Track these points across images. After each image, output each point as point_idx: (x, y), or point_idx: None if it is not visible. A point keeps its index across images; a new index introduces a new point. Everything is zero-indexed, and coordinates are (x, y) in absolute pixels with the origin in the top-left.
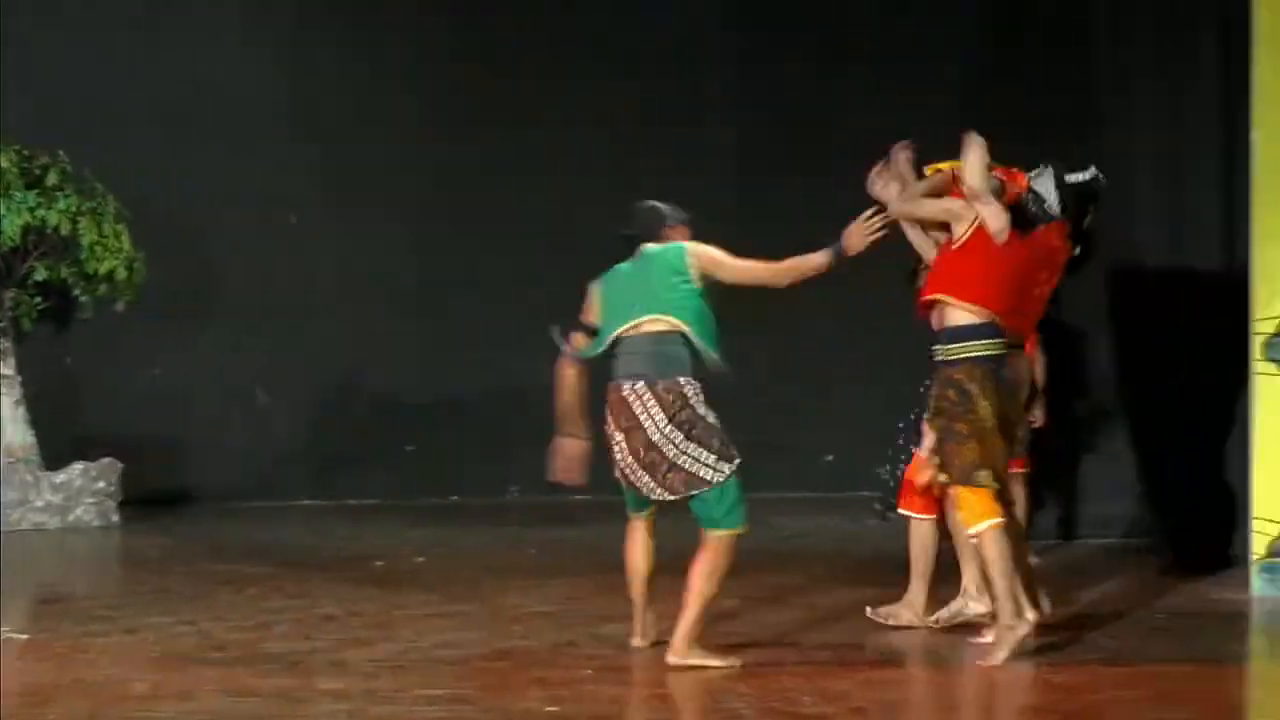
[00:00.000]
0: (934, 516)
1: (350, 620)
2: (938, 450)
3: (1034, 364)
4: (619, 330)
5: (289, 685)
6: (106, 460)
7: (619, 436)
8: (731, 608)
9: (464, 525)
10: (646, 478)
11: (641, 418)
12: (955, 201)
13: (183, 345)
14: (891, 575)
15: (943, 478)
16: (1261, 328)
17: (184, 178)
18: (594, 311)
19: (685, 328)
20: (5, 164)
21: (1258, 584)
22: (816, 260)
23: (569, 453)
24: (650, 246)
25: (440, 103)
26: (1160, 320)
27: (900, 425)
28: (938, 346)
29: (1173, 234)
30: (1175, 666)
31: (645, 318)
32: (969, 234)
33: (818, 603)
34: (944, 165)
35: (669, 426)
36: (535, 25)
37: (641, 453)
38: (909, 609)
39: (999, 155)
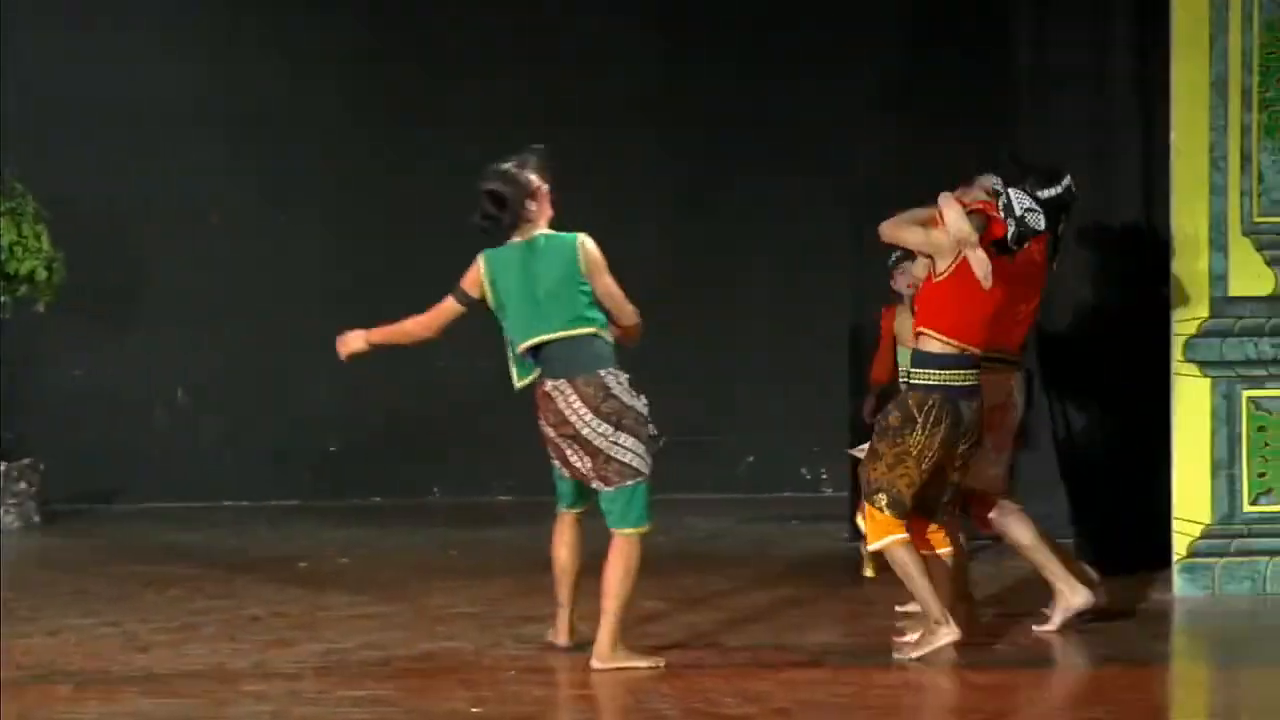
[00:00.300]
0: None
1: (274, 621)
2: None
3: None
4: (534, 342)
5: (212, 687)
6: (27, 461)
7: (551, 432)
8: (651, 609)
9: (387, 526)
10: (586, 467)
11: (567, 414)
12: (940, 236)
13: (105, 346)
14: (807, 577)
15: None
16: (1181, 329)
17: (106, 177)
18: (477, 286)
19: (599, 330)
20: None
21: (1179, 584)
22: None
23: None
24: (540, 235)
25: (366, 102)
26: (1082, 322)
27: None
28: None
29: (1094, 235)
30: (1097, 667)
31: (560, 333)
32: (951, 270)
33: (737, 604)
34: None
35: (594, 419)
36: (466, 24)
37: (575, 447)
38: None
39: (923, 155)
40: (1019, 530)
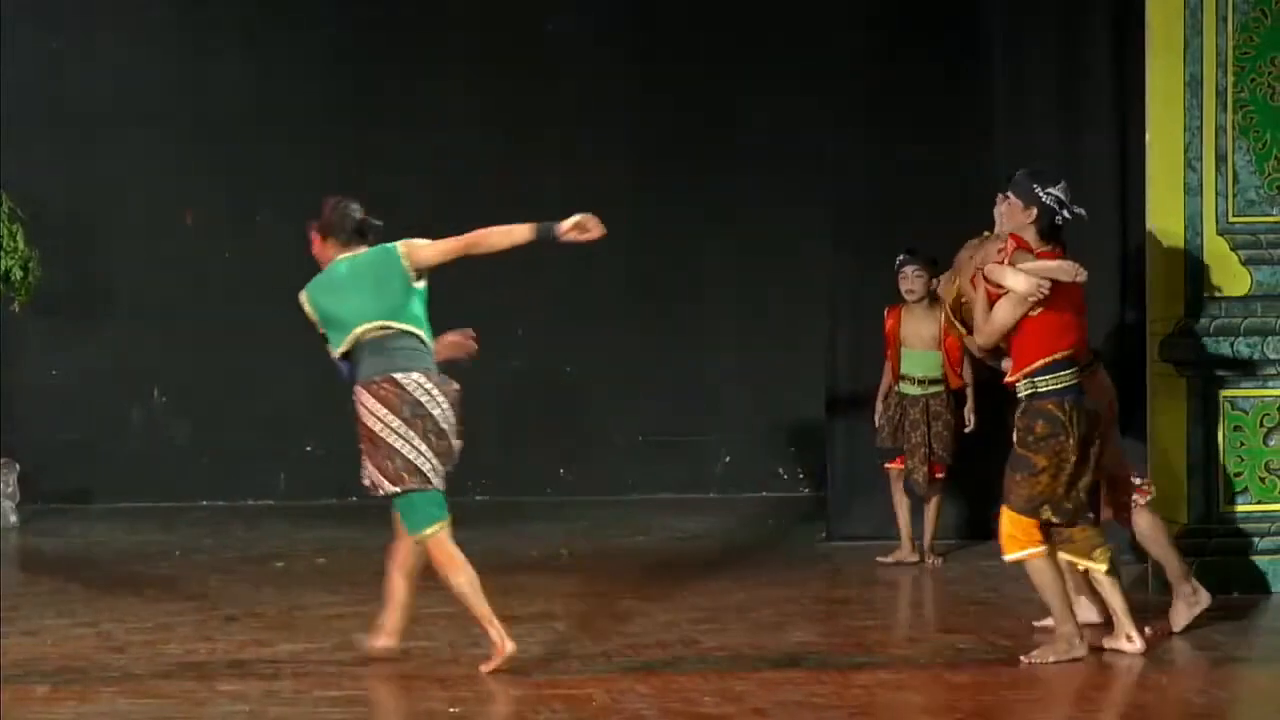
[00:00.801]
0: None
1: (250, 621)
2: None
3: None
4: (359, 331)
5: (189, 687)
6: (3, 461)
7: (401, 425)
8: (628, 608)
9: (364, 526)
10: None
11: (429, 405)
12: (1017, 296)
13: (80, 345)
14: (784, 577)
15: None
16: (1157, 329)
17: (79, 178)
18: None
19: (419, 331)
20: None
21: (1155, 582)
22: (521, 231)
23: None
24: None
25: (334, 102)
26: None
27: None
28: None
29: (1070, 235)
30: (1071, 665)
31: (379, 322)
32: (1041, 305)
33: (714, 604)
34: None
35: (450, 412)
36: (439, 25)
37: (434, 439)
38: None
39: (899, 157)
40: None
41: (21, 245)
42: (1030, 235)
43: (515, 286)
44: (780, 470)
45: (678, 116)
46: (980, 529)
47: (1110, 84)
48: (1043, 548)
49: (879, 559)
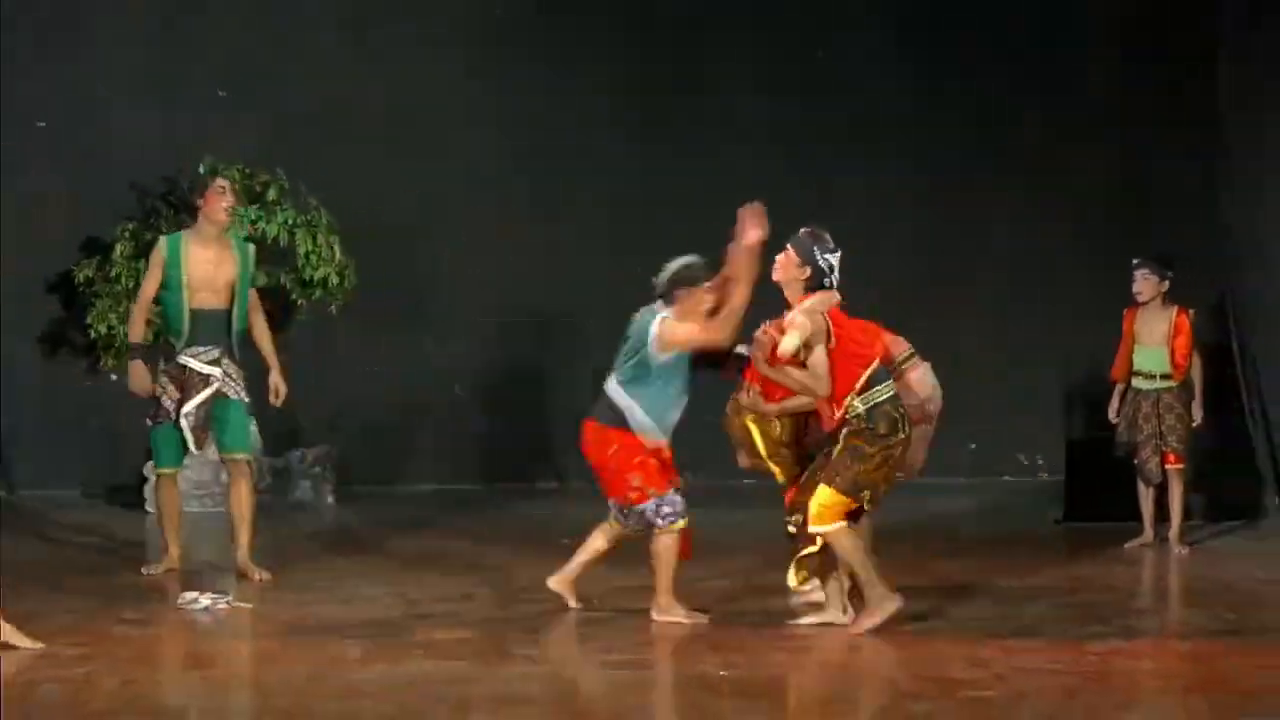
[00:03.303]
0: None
1: (540, 592)
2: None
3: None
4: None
5: (487, 650)
6: (322, 447)
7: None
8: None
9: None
10: None
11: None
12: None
13: (388, 345)
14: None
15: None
16: None
17: (393, 191)
18: None
19: None
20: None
21: None
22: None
23: None
24: None
25: (628, 122)
26: None
27: None
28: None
29: None
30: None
31: None
32: (831, 344)
33: (964, 579)
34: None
35: None
36: (717, 51)
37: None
38: None
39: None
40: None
41: (339, 254)
42: (797, 290)
43: None
44: (1020, 456)
45: (955, 132)
46: (1214, 511)
47: None
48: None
49: (1126, 545)
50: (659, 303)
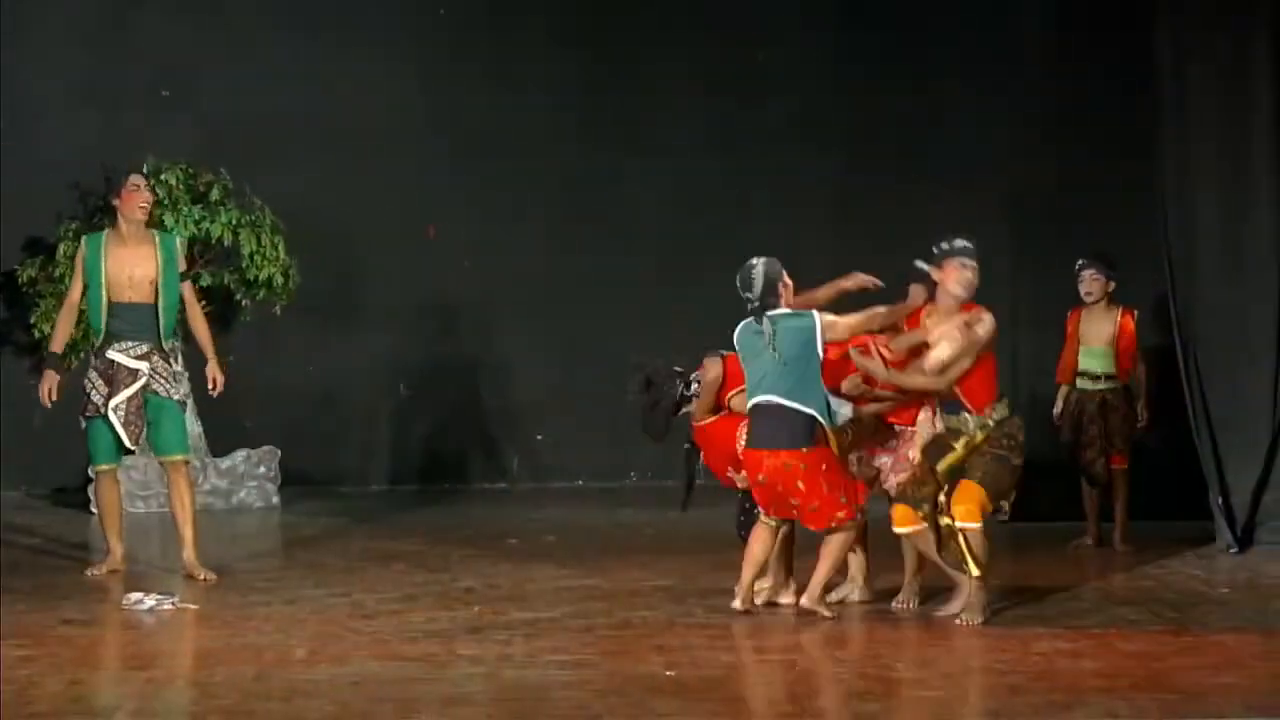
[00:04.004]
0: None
1: (487, 592)
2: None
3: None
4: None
5: (432, 651)
6: (267, 448)
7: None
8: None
9: (587, 508)
10: None
11: None
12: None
13: (334, 344)
14: None
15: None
16: None
17: (334, 193)
18: None
19: None
20: (173, 181)
21: None
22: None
23: None
24: None
25: (564, 127)
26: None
27: None
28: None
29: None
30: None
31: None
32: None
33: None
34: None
35: None
36: (663, 55)
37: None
38: None
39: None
40: None
41: (282, 254)
42: (961, 300)
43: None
44: None
45: (875, 134)
46: (1153, 510)
47: (1273, 110)
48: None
49: (1070, 544)
50: (761, 312)
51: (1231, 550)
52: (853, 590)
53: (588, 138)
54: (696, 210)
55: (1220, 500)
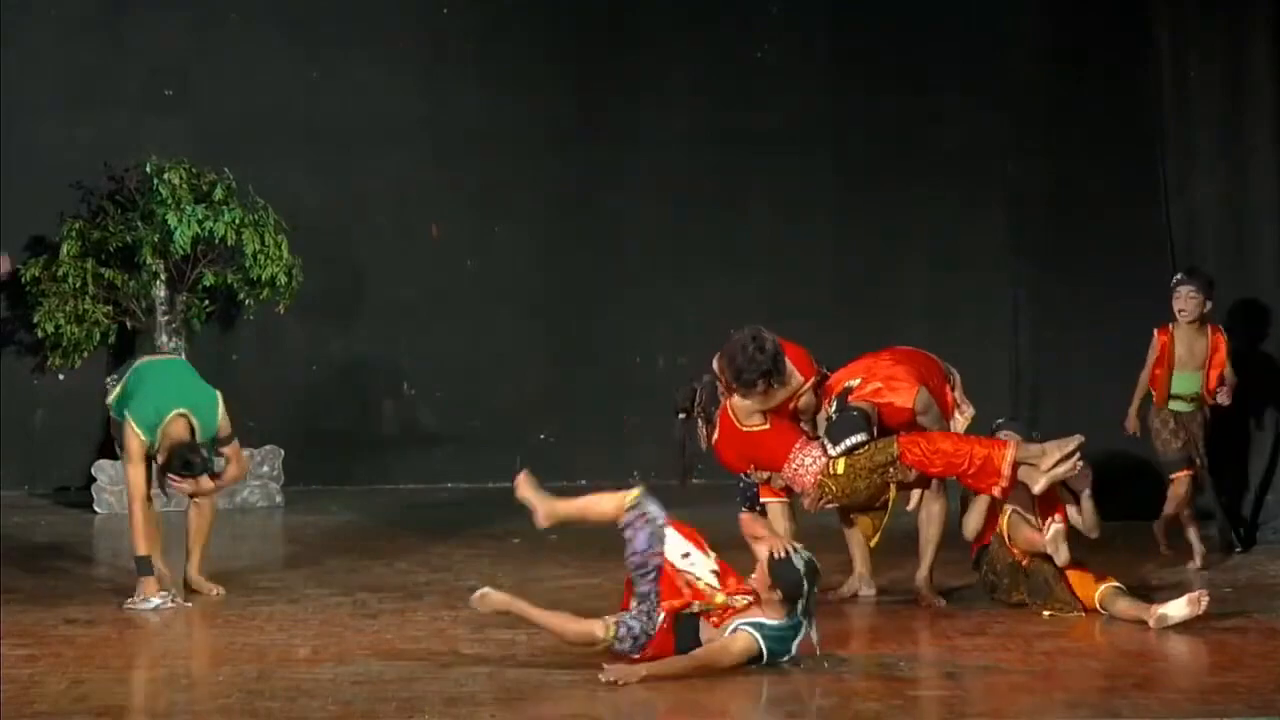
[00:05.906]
0: None
1: None
2: None
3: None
4: None
5: (435, 650)
6: (270, 448)
7: None
8: None
9: None
10: None
11: None
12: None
13: (337, 343)
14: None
15: None
16: None
17: (337, 193)
18: None
19: None
20: (176, 180)
21: None
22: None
23: None
24: None
25: (558, 123)
26: None
27: None
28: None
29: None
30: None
31: None
32: None
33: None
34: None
35: None
36: (654, 53)
37: None
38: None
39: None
40: None
41: (286, 254)
42: None
43: (726, 288)
44: None
45: (873, 134)
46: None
47: (1273, 104)
48: None
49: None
50: None
51: (1234, 549)
52: (861, 585)
53: (587, 137)
54: (696, 210)
55: (1222, 499)
